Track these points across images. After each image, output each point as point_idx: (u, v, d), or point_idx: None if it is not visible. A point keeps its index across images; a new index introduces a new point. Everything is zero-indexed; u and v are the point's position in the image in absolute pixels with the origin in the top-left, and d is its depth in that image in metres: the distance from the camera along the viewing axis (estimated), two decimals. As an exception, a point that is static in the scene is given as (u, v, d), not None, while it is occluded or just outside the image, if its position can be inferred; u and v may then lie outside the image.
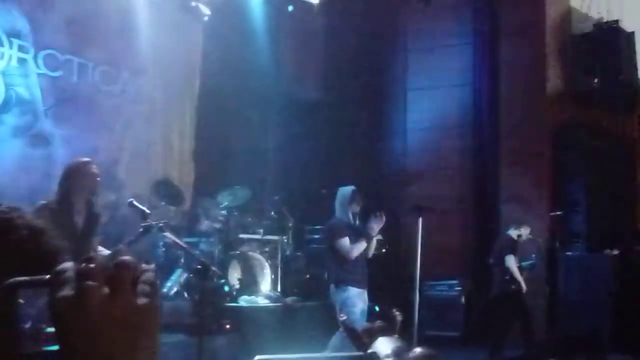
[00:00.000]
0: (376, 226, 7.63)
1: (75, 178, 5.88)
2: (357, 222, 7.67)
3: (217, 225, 10.29)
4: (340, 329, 7.33)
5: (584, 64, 12.74)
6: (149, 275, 0.97)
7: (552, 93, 12.73)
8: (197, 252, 8.94)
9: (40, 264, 1.16)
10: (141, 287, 0.95)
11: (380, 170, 13.68)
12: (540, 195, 12.39)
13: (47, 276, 0.98)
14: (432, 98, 13.29)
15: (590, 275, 11.44)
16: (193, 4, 10.90)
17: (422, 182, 13.04)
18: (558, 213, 11.13)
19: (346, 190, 7.77)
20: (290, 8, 12.21)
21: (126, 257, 0.96)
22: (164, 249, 9.69)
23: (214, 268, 7.06)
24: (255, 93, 12.55)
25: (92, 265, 0.94)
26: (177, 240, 7.04)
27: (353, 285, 7.38)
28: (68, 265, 0.97)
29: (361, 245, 7.46)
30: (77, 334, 0.93)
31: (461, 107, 13.11)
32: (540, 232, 11.35)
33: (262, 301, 10.31)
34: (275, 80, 12.91)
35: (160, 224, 6.42)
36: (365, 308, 7.64)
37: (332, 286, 7.70)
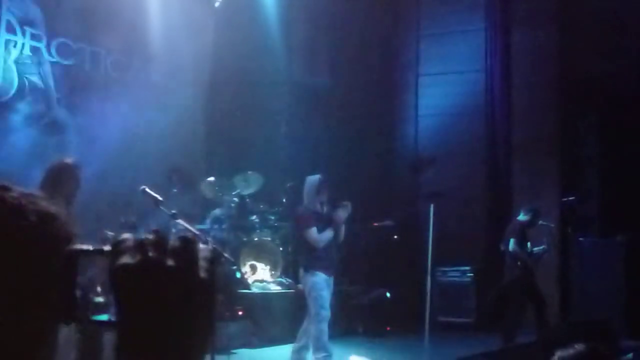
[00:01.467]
0: (343, 214, 7.68)
1: (58, 178, 5.90)
2: (325, 209, 7.71)
3: (230, 212, 10.33)
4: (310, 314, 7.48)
5: (596, 49, 12.65)
6: (205, 253, 1.00)
7: (564, 78, 12.66)
8: (209, 238, 8.98)
9: (52, 250, 1.18)
10: (201, 262, 0.99)
11: (392, 156, 13.67)
12: (552, 180, 12.36)
13: (105, 247, 1.03)
14: (444, 84, 13.25)
15: (603, 261, 11.40)
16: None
17: (434, 168, 13.01)
18: (571, 198, 11.09)
19: (313, 179, 7.79)
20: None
21: (189, 234, 1.00)
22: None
23: (226, 255, 7.10)
24: (267, 79, 12.55)
25: (156, 237, 0.98)
26: (190, 227, 7.06)
27: (321, 271, 7.48)
28: (127, 235, 1.01)
29: (328, 234, 7.54)
30: (139, 302, 0.97)
31: (473, 92, 13.06)
32: (553, 218, 11.32)
33: (274, 288, 10.36)
34: (287, 66, 12.91)
35: (173, 211, 6.46)
36: (330, 294, 7.73)
37: (301, 270, 7.80)
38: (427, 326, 8.89)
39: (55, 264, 1.20)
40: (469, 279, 12.10)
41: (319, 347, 7.38)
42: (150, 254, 0.97)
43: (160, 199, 6.40)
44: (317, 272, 7.50)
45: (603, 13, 12.61)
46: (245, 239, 10.40)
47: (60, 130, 9.81)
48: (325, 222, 7.60)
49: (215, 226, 10.25)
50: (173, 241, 0.99)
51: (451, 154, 12.93)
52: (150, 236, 0.99)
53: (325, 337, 7.38)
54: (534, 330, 10.03)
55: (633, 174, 13.13)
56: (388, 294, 11.66)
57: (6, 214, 1.16)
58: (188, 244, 0.99)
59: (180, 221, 6.78)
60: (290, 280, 10.52)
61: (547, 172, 12.39)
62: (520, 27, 12.95)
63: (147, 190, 6.50)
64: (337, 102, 13.40)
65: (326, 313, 7.43)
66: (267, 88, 12.68)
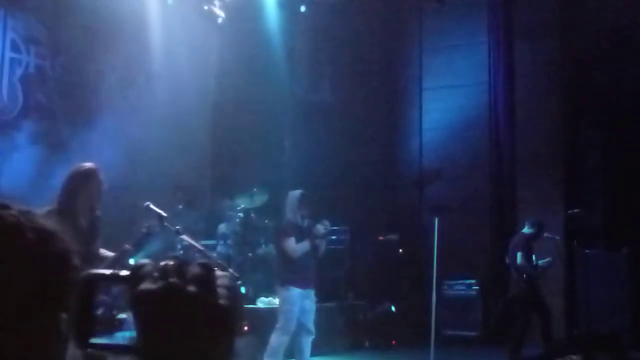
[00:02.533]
0: (321, 229, 7.87)
1: (81, 183, 5.93)
2: (306, 223, 7.90)
3: (235, 228, 10.34)
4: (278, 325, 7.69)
5: (598, 61, 12.68)
6: (225, 281, 1.02)
7: (568, 91, 12.68)
8: (214, 254, 8.99)
9: (50, 268, 1.20)
10: (221, 290, 1.00)
11: (396, 171, 13.68)
12: (557, 193, 12.35)
13: (125, 272, 1.04)
14: (447, 97, 13.27)
15: (609, 273, 11.37)
16: (206, 7, 10.95)
17: (439, 182, 13.02)
18: (576, 211, 11.08)
19: (295, 194, 8.02)
20: (303, 8, 12.24)
21: (210, 261, 1.02)
22: (181, 252, 9.75)
23: (230, 270, 7.10)
24: (271, 95, 12.60)
25: (175, 263, 1.00)
26: (194, 243, 7.08)
27: (296, 286, 7.61)
28: (145, 261, 1.03)
29: (305, 245, 7.67)
30: (160, 328, 0.98)
31: (477, 106, 13.08)
32: (558, 231, 11.30)
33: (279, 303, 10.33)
34: (291, 82, 12.96)
35: (177, 227, 6.47)
36: (313, 307, 7.92)
37: (277, 284, 7.97)
38: (432, 340, 8.87)
39: (54, 282, 1.21)
40: (474, 292, 12.08)
41: (272, 355, 7.65)
42: (172, 280, 0.98)
43: (165, 215, 6.41)
44: (291, 287, 7.69)
45: (605, 25, 12.66)
46: (250, 255, 10.40)
47: (65, 148, 9.84)
48: (305, 235, 7.78)
49: (221, 242, 10.26)
50: (194, 268, 1.00)
51: (455, 167, 12.94)
52: (171, 262, 1.00)
53: (282, 349, 7.65)
54: (540, 344, 10.00)
55: (637, 186, 13.12)
56: (393, 308, 11.65)
57: (5, 232, 1.18)
58: (209, 271, 1.01)
59: (184, 237, 6.80)
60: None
61: (552, 184, 12.38)
62: (523, 41, 12.98)
63: (151, 206, 6.51)
64: (340, 117, 13.43)
65: (290, 327, 7.63)
66: (271, 104, 12.72)
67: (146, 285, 0.99)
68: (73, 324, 1.12)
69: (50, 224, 1.27)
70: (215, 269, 1.02)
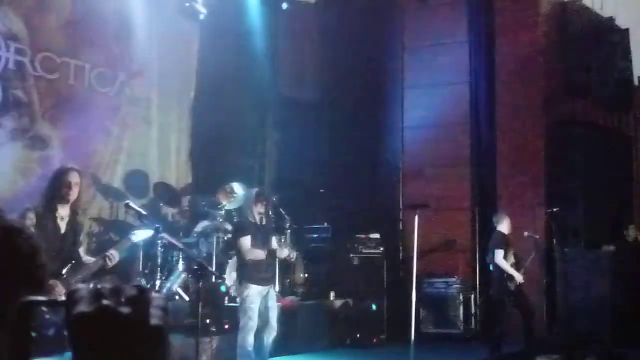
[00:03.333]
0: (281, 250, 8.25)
1: (57, 185, 5.91)
2: (265, 221, 8.10)
3: (216, 226, 10.31)
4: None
5: (579, 60, 12.77)
6: (159, 301, 1.04)
7: (549, 90, 12.75)
8: (195, 252, 8.96)
9: (18, 265, 1.19)
10: (154, 311, 1.02)
11: (378, 169, 13.70)
12: (537, 191, 12.41)
13: (61, 297, 1.07)
14: (429, 96, 13.30)
15: (589, 272, 11.45)
16: (187, 4, 10.90)
17: (420, 180, 13.06)
18: (555, 210, 11.14)
19: (251, 192, 8.28)
20: (285, 6, 12.22)
21: (142, 283, 1.03)
22: (162, 250, 9.72)
23: (210, 269, 7.10)
24: (253, 93, 12.58)
25: (109, 286, 1.01)
26: (175, 242, 7.07)
27: (254, 283, 7.72)
28: (82, 286, 1.04)
29: (259, 254, 7.84)
30: (95, 349, 0.99)
31: (458, 105, 13.12)
32: (538, 229, 11.37)
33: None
34: (272, 80, 12.94)
35: (157, 225, 6.44)
36: (274, 304, 8.05)
37: (237, 281, 8.11)
38: (413, 338, 8.89)
39: (22, 279, 1.20)
40: (455, 290, 12.12)
41: (242, 355, 7.72)
42: (106, 302, 1.00)
43: (144, 213, 6.39)
44: (251, 285, 7.78)
45: (586, 22, 12.75)
46: (231, 253, 10.38)
47: (45, 144, 9.79)
48: (262, 234, 7.95)
49: (202, 239, 10.23)
50: (128, 290, 1.02)
51: (436, 165, 12.98)
52: (106, 285, 1.01)
53: (250, 347, 7.71)
54: (520, 341, 10.06)
55: (617, 185, 13.24)
56: (374, 306, 11.67)
57: None
58: (142, 292, 1.03)
59: (164, 235, 6.77)
60: (277, 294, 10.50)
61: (533, 183, 12.45)
62: (505, 39, 13.03)
63: (131, 204, 6.49)
64: (323, 115, 13.44)
65: (253, 325, 7.72)
66: (254, 102, 12.71)
67: (81, 308, 1.00)
68: (11, 349, 1.12)
69: (18, 222, 1.27)
70: (150, 290, 1.05)
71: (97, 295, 1.01)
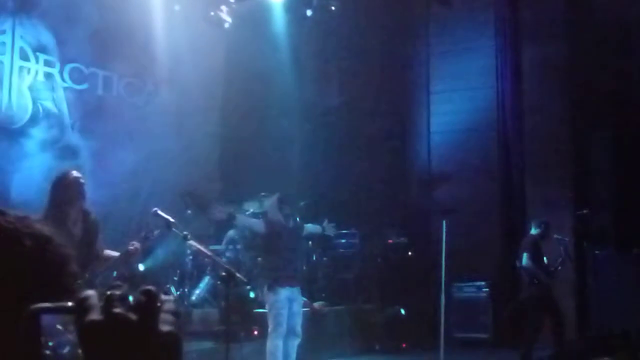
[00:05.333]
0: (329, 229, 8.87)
1: (61, 188, 5.95)
2: (291, 223, 8.23)
3: (243, 233, 10.36)
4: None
5: (606, 62, 12.65)
6: (170, 305, 1.02)
7: (576, 92, 12.65)
8: (223, 259, 9.01)
9: (47, 274, 1.21)
10: (164, 315, 1.00)
11: (405, 174, 13.68)
12: (566, 194, 12.31)
13: (70, 303, 1.04)
14: (455, 100, 13.25)
15: (619, 274, 11.33)
16: (212, 13, 10.98)
17: (447, 185, 13.01)
18: (585, 212, 11.04)
19: (272, 198, 8.48)
20: (309, 12, 12.25)
21: (151, 287, 1.02)
22: (191, 257, 9.79)
23: (239, 275, 7.12)
24: (279, 100, 12.62)
25: (118, 292, 1.00)
26: (203, 249, 7.10)
27: (281, 284, 7.87)
28: (90, 292, 1.02)
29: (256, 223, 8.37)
30: (105, 357, 0.99)
31: (485, 109, 13.06)
32: (567, 232, 11.27)
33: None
34: (298, 86, 12.98)
35: (185, 233, 6.49)
36: (300, 310, 8.16)
37: (265, 287, 8.15)
38: (442, 343, 8.86)
39: (51, 287, 1.22)
40: (484, 294, 12.04)
41: None
42: (116, 309, 0.98)
43: (173, 220, 6.43)
44: (278, 289, 7.81)
45: (612, 27, 12.63)
46: (259, 259, 10.42)
47: (74, 154, 9.90)
48: (291, 235, 8.09)
49: (230, 247, 10.28)
50: (138, 295, 1.00)
51: (463, 170, 12.92)
52: (116, 291, 1.00)
53: (279, 353, 7.75)
54: (551, 346, 9.96)
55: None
56: (403, 311, 11.64)
57: (2, 238, 1.19)
58: (152, 297, 1.00)
59: (192, 242, 6.81)
60: (305, 299, 10.52)
61: (560, 186, 12.35)
62: (531, 43, 12.96)
63: (159, 212, 6.53)
64: (348, 120, 13.45)
65: (282, 330, 7.77)
66: (279, 109, 12.75)
67: (91, 317, 0.99)
68: (20, 357, 1.13)
69: (47, 229, 1.28)
70: (160, 294, 1.01)
71: (106, 302, 0.99)
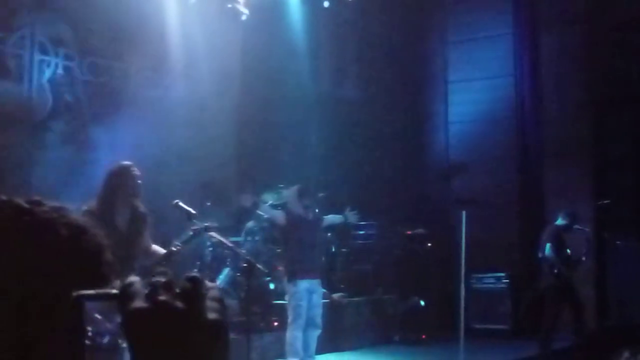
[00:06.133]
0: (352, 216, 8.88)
1: (117, 181, 5.98)
2: (311, 215, 8.32)
3: (262, 224, 10.38)
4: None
5: (625, 51, 12.55)
6: (215, 293, 1.02)
7: (595, 81, 12.56)
8: (243, 251, 9.03)
9: (82, 263, 1.21)
10: (210, 303, 1.01)
11: (423, 164, 13.65)
12: (585, 184, 12.24)
13: (113, 290, 1.04)
14: (473, 90, 13.20)
15: (640, 264, 11.26)
16: (229, 5, 10.98)
17: (466, 175, 12.97)
18: (605, 202, 10.97)
19: (292, 189, 8.55)
20: (326, 4, 12.23)
21: (197, 274, 1.02)
22: (210, 249, 9.83)
23: (259, 266, 7.14)
24: (296, 91, 12.61)
25: (164, 280, 1.00)
26: (223, 240, 7.13)
27: (301, 277, 7.96)
28: (134, 278, 1.03)
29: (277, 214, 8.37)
30: (151, 345, 0.99)
31: (503, 98, 13.00)
32: (588, 222, 11.20)
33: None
34: (315, 78, 12.96)
35: (206, 224, 6.51)
36: (319, 301, 8.23)
37: (285, 278, 8.28)
38: (462, 333, 8.85)
39: (87, 277, 1.23)
40: (504, 285, 12.02)
41: (291, 352, 7.85)
42: (161, 297, 0.98)
43: (194, 212, 6.46)
44: (298, 281, 7.91)
45: (631, 12, 12.51)
46: (278, 251, 10.44)
47: (94, 147, 9.94)
48: (312, 227, 8.18)
49: (249, 238, 10.31)
50: (182, 283, 1.00)
51: (482, 160, 12.87)
52: (160, 279, 1.00)
53: (299, 344, 7.83)
54: (571, 336, 9.93)
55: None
56: (422, 302, 11.63)
57: (37, 228, 1.20)
58: (197, 284, 1.00)
59: (213, 234, 6.84)
60: (324, 290, 10.53)
61: (581, 175, 12.28)
62: (548, 31, 12.87)
63: (181, 204, 6.56)
64: (366, 112, 13.42)
65: (302, 321, 7.85)
66: (296, 100, 12.74)
67: (136, 304, 0.99)
68: (64, 344, 1.13)
69: (83, 219, 1.29)
70: (204, 281, 1.02)
71: (152, 289, 1.00)
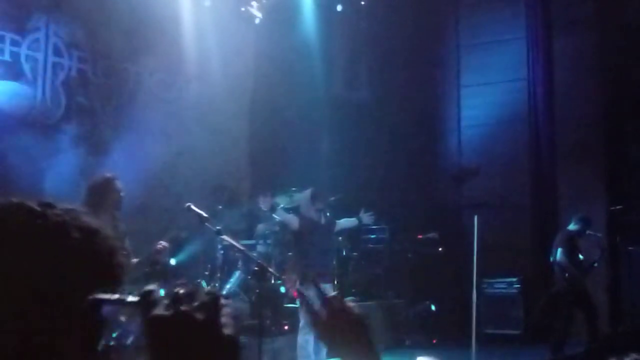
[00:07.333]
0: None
1: (100, 193, 5.98)
2: (323, 219, 8.32)
3: (274, 228, 10.39)
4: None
5: (638, 54, 12.48)
6: (229, 310, 1.05)
7: (608, 84, 12.50)
8: (254, 254, 9.04)
9: (95, 265, 1.22)
10: (226, 319, 1.04)
11: (435, 168, 13.62)
12: (599, 189, 12.17)
13: (130, 297, 1.08)
14: (486, 94, 13.16)
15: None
16: (243, 9, 11.02)
17: (478, 179, 12.93)
18: (618, 207, 10.91)
19: (305, 193, 8.51)
20: (340, 7, 12.24)
21: (216, 289, 1.04)
22: (222, 252, 9.84)
23: (271, 269, 7.15)
24: (308, 94, 12.62)
25: (186, 292, 1.04)
26: (235, 243, 7.13)
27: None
28: (153, 286, 1.06)
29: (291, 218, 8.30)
30: (171, 353, 1.02)
31: (516, 102, 12.95)
32: (601, 227, 11.14)
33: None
34: (328, 81, 12.97)
35: (218, 228, 6.52)
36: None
37: (297, 281, 8.29)
38: (473, 338, 8.82)
39: (100, 279, 1.23)
40: (515, 290, 11.95)
41: (302, 356, 7.85)
42: (183, 307, 1.02)
43: (205, 215, 6.46)
44: (310, 285, 7.77)
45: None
46: (289, 254, 10.44)
47: (107, 149, 9.98)
48: (325, 231, 8.20)
49: (261, 241, 10.32)
50: (202, 295, 1.04)
51: (495, 164, 12.83)
52: (182, 289, 1.04)
53: (311, 348, 7.81)
54: (583, 341, 9.87)
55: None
56: (433, 307, 11.60)
57: (50, 231, 1.21)
58: (215, 299, 1.04)
59: (225, 237, 6.84)
60: (336, 294, 10.53)
61: (593, 180, 12.21)
62: (562, 34, 12.82)
63: (192, 207, 6.56)
64: (378, 115, 13.41)
65: None
66: (309, 103, 12.75)
67: (158, 311, 1.02)
68: (80, 345, 1.14)
69: (95, 222, 1.30)
70: (222, 297, 1.05)
71: (174, 299, 1.03)
